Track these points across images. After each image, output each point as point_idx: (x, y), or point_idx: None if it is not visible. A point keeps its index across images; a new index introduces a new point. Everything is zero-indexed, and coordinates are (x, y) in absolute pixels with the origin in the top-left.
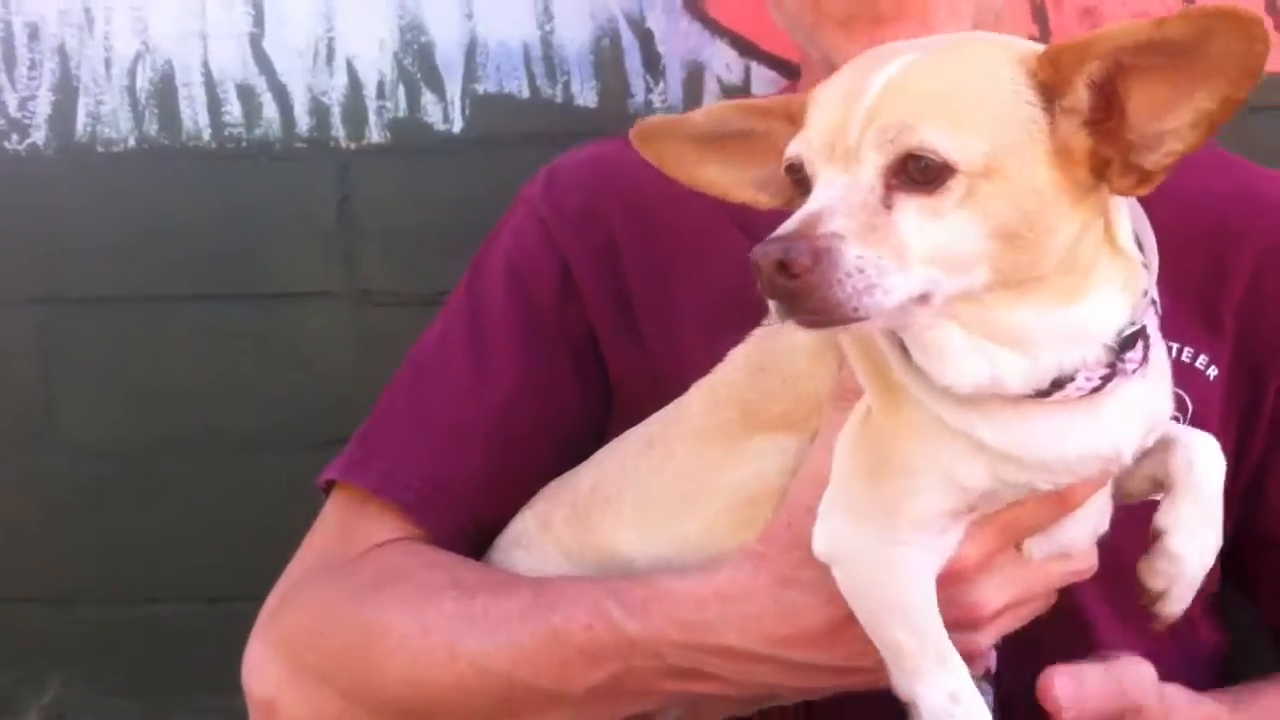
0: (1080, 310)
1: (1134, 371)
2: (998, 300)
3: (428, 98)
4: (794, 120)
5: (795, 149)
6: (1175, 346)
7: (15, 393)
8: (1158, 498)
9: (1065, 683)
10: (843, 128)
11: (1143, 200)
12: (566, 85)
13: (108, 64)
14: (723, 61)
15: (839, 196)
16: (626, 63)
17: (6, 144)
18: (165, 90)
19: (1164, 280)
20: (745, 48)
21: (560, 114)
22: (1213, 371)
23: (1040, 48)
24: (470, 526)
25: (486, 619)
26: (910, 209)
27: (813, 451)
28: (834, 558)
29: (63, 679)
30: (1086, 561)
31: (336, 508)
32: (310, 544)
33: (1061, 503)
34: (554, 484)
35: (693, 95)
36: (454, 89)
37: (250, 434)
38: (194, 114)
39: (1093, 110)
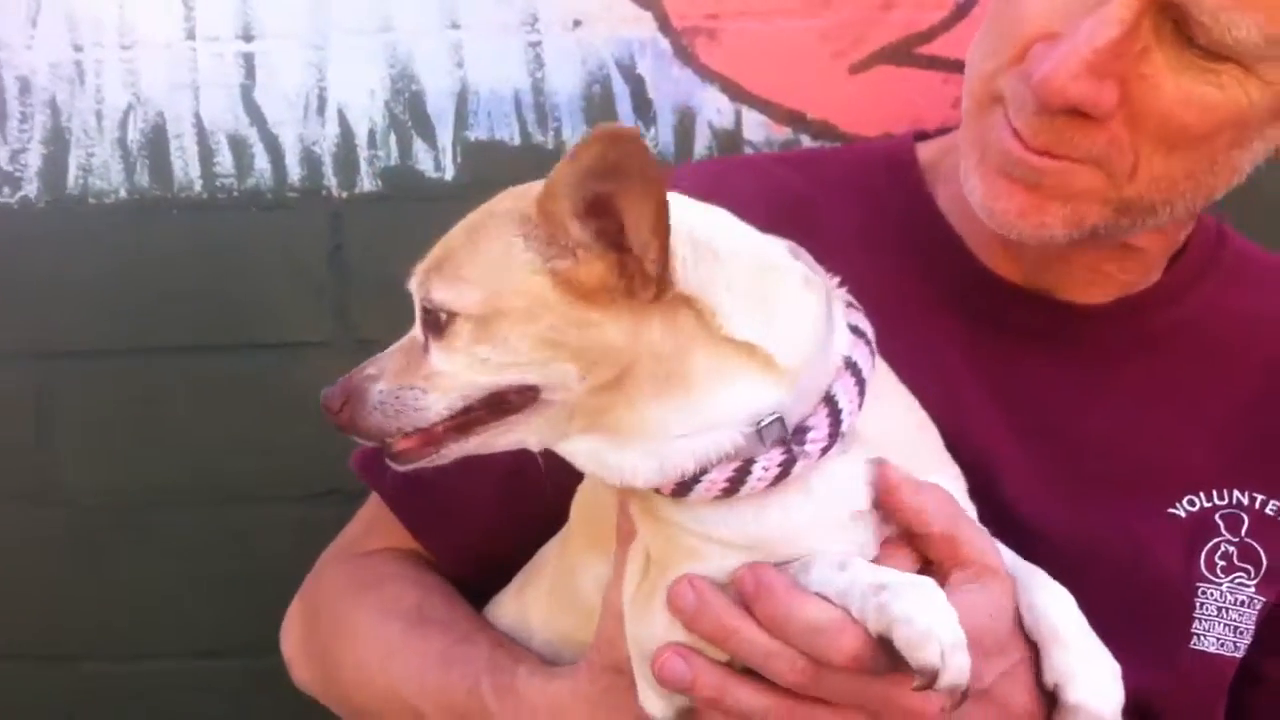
0: (692, 403)
1: (823, 452)
2: (613, 408)
3: (419, 146)
4: None
5: None
6: (1260, 498)
7: (10, 447)
8: None
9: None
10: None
11: (1241, 338)
12: (558, 132)
13: (99, 116)
14: (714, 106)
15: (397, 345)
16: (618, 109)
17: None
18: (156, 141)
19: (1253, 425)
20: (736, 92)
21: (552, 161)
22: None
23: None
24: (473, 555)
25: (416, 652)
26: (436, 348)
27: (608, 588)
28: (672, 710)
29: None
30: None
31: (373, 498)
32: (351, 523)
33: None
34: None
35: (684, 141)
36: (445, 137)
37: (246, 485)
38: (185, 165)
39: (602, 237)
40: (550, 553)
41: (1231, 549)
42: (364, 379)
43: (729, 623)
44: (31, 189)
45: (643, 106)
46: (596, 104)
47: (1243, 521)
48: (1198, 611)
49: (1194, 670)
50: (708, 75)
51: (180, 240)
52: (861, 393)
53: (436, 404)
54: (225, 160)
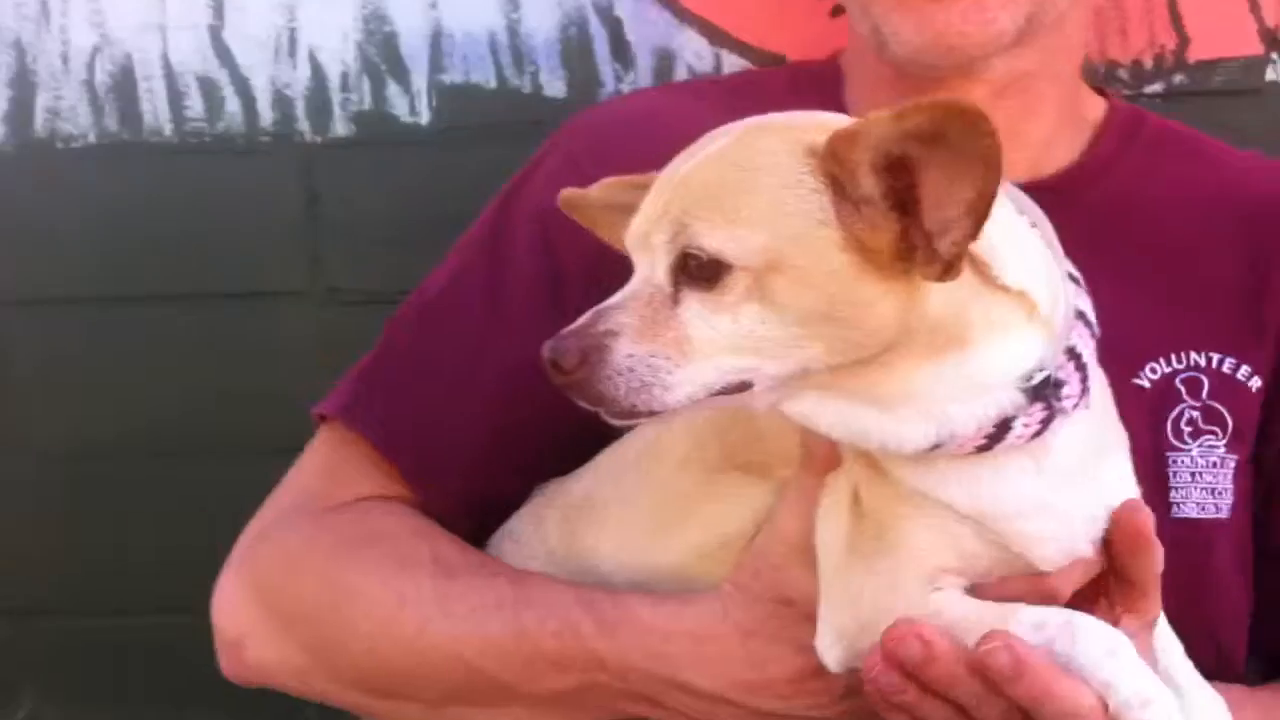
0: (967, 363)
1: (1074, 408)
2: (868, 370)
3: (393, 89)
4: None
5: (624, 236)
6: (1216, 358)
7: None
8: None
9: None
10: (650, 219)
11: (1173, 205)
12: (535, 76)
13: (65, 58)
14: (693, 49)
15: (630, 293)
16: (595, 51)
17: None
18: (125, 84)
19: (1200, 288)
20: (715, 35)
21: (529, 104)
22: (1255, 382)
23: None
24: (465, 503)
25: (462, 602)
26: (694, 304)
27: (780, 512)
28: (850, 663)
29: (35, 693)
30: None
31: (326, 445)
32: (294, 479)
33: (1045, 586)
34: (553, 482)
35: (664, 83)
36: (420, 80)
37: (218, 437)
38: (154, 108)
39: (892, 197)
40: (618, 483)
41: (1195, 413)
42: (603, 335)
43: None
44: None
45: (620, 49)
46: (574, 47)
47: (1203, 384)
48: (1172, 481)
49: (1180, 538)
50: (686, 18)
51: (150, 185)
52: (1096, 345)
53: (686, 384)
54: (195, 104)
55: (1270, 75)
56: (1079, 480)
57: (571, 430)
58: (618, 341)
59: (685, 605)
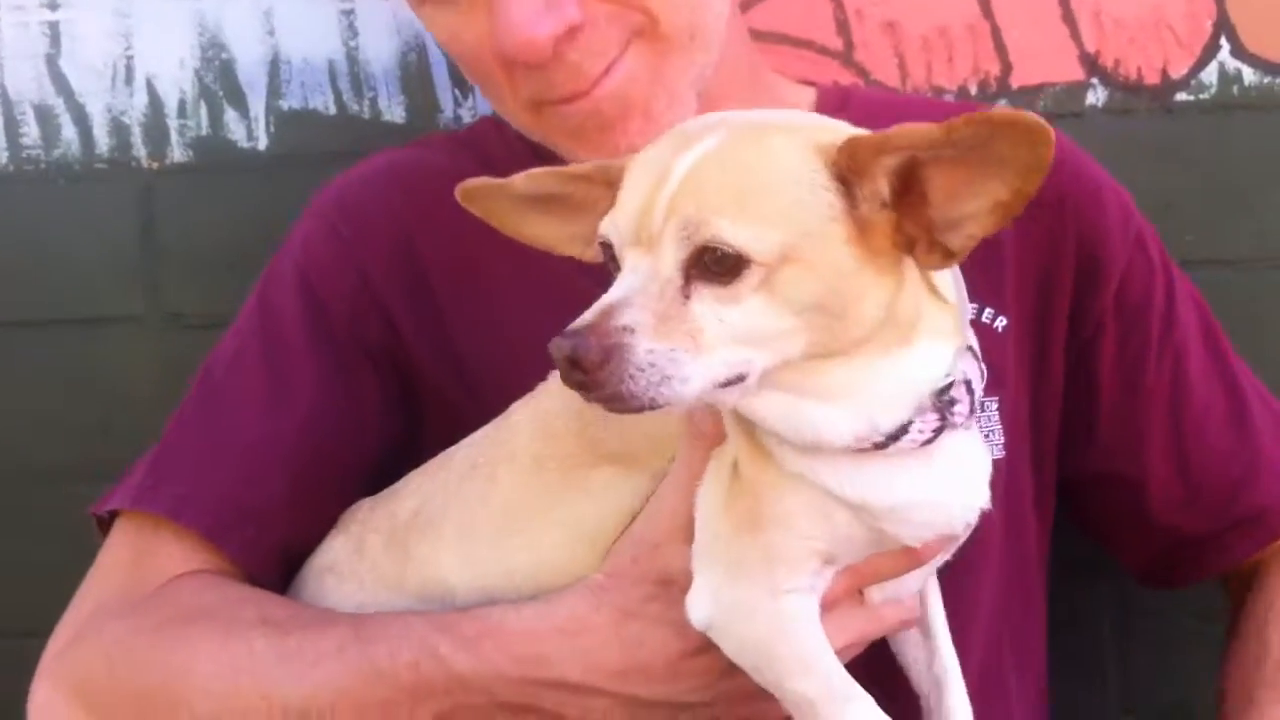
0: (905, 363)
1: (961, 424)
2: (822, 362)
3: (231, 115)
4: (612, 185)
5: (605, 229)
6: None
7: None
8: None
9: None
10: (648, 213)
11: None
12: (374, 101)
13: None
14: None
15: (638, 287)
16: (434, 78)
17: None
18: None
19: None
20: None
21: (368, 130)
22: (1001, 322)
23: (840, 134)
24: (276, 554)
25: (301, 657)
26: (708, 298)
27: (663, 490)
28: (715, 622)
29: None
30: (914, 610)
31: (124, 538)
32: (96, 578)
33: (912, 558)
34: (365, 506)
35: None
36: (258, 106)
37: (56, 466)
38: None
39: (894, 194)
40: (453, 493)
41: None
42: (619, 330)
43: None
44: None
45: (460, 75)
46: (413, 72)
47: None
48: None
49: None
50: None
51: None
52: (983, 378)
53: (699, 377)
54: (31, 131)
55: (1090, 99)
56: (960, 480)
57: (368, 466)
58: (636, 338)
59: (552, 603)
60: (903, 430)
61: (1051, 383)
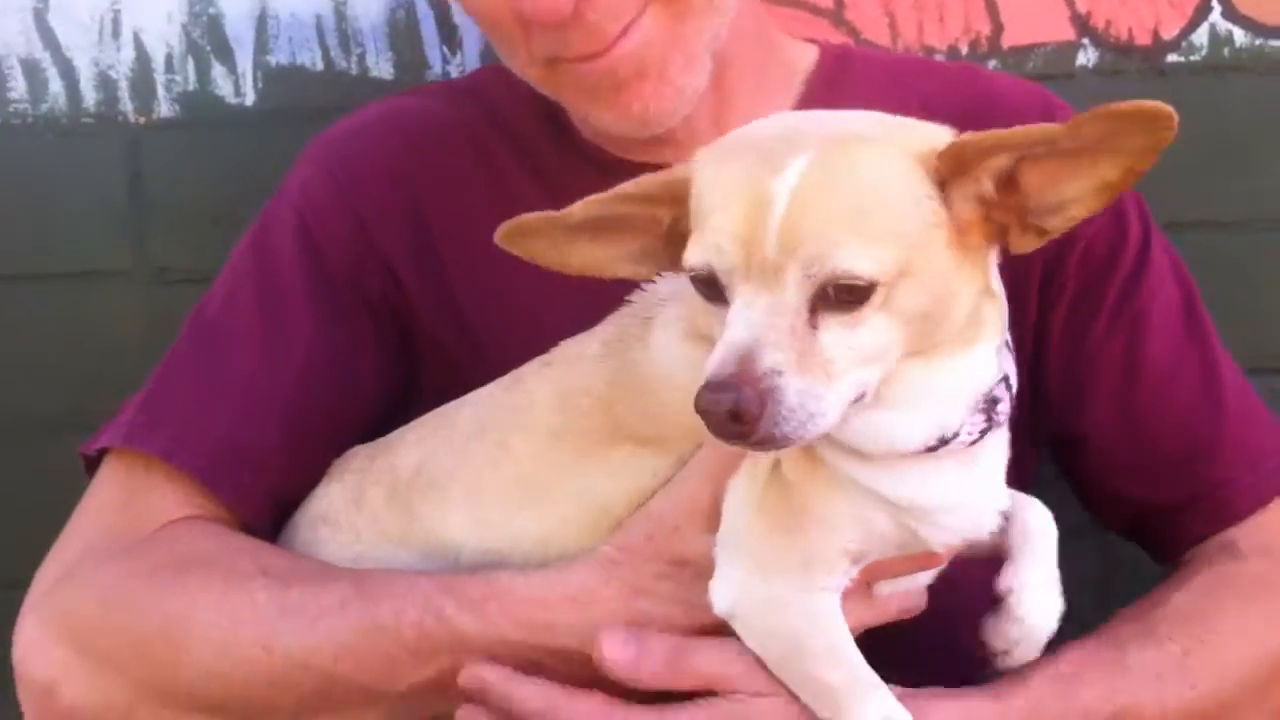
0: (967, 362)
1: (1003, 423)
2: (900, 367)
3: (218, 70)
4: (678, 200)
5: (704, 258)
6: None
7: None
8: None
9: (617, 645)
10: (756, 241)
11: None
12: (361, 57)
13: None
14: None
15: (765, 323)
16: (423, 34)
17: None
18: None
19: None
20: None
21: (356, 86)
22: None
23: (938, 140)
24: (269, 501)
25: (304, 611)
26: (834, 327)
27: (687, 473)
28: (740, 612)
29: None
30: (920, 600)
31: (114, 476)
32: (85, 517)
33: (929, 561)
34: (361, 455)
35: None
36: (245, 61)
37: (45, 418)
38: None
39: (996, 189)
40: (461, 454)
41: None
42: (769, 374)
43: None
44: None
45: (448, 31)
46: (401, 29)
47: None
48: None
49: None
50: None
51: None
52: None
53: (836, 406)
54: (18, 85)
55: (1081, 60)
56: (992, 481)
57: (364, 413)
58: (785, 379)
59: (562, 571)
60: (953, 434)
61: (1025, 346)
